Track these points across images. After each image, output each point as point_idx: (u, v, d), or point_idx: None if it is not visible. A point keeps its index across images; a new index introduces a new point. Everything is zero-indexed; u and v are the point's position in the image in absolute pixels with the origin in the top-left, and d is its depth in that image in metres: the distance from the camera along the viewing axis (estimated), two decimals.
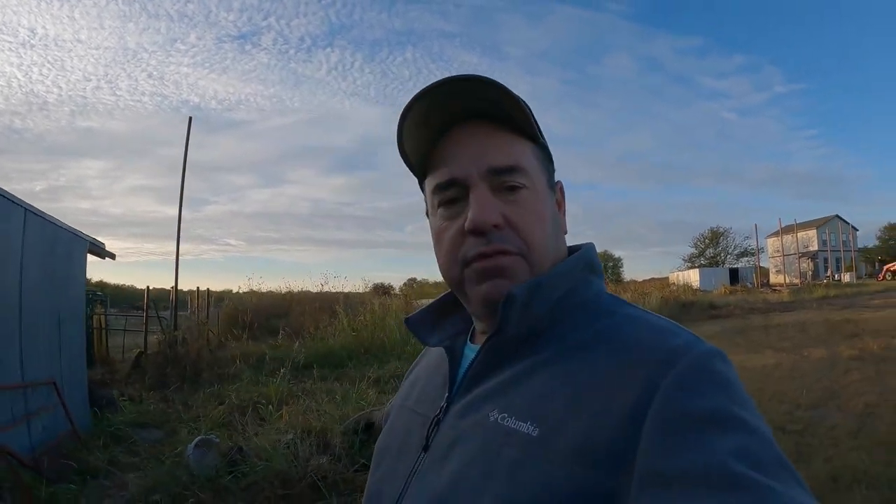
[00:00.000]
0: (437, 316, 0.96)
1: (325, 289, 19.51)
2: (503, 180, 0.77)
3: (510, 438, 0.68)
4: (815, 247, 61.71)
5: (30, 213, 6.14)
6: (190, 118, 14.74)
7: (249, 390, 8.32)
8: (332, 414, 6.15)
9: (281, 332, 13.55)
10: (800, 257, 54.18)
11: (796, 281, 43.67)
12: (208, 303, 16.10)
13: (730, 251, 67.17)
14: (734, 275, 54.39)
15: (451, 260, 0.80)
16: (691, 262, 69.53)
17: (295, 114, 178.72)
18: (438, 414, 0.82)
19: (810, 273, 53.83)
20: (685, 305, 19.65)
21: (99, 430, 6.72)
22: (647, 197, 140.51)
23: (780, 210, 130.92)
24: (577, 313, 0.78)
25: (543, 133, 0.85)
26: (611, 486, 0.58)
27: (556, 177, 0.90)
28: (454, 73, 0.74)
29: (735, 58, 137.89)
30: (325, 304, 17.24)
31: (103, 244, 8.99)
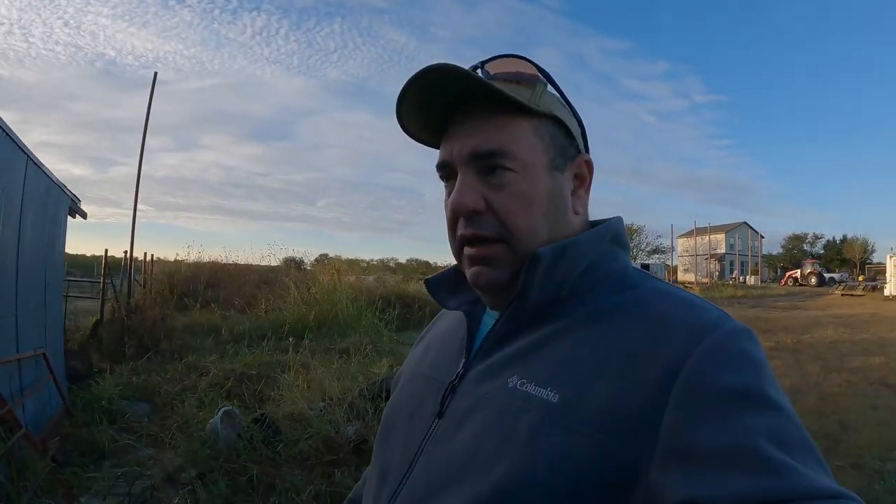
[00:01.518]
0: (457, 279, 0.92)
1: (232, 260, 19.45)
2: (486, 164, 0.77)
3: (529, 404, 0.68)
4: (722, 249, 65.07)
5: (30, 162, 5.46)
6: (155, 73, 14.49)
7: (232, 361, 8.19)
8: (343, 381, 6.20)
9: (220, 303, 13.41)
10: (708, 258, 57.46)
11: (704, 280, 46.16)
12: (151, 270, 15.64)
13: (642, 247, 69.86)
14: (645, 270, 56.70)
15: (451, 237, 0.82)
16: None
17: (213, 77, 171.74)
18: (454, 380, 0.81)
19: (717, 274, 57.01)
20: None
21: (85, 405, 6.16)
22: None
23: (687, 213, 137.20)
24: (602, 284, 0.77)
25: (570, 103, 0.86)
26: (632, 456, 0.59)
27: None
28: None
29: (660, 63, 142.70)
30: (262, 277, 17.24)
31: (79, 200, 8.03)
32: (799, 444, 0.56)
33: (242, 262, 19.72)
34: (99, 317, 10.46)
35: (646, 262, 64.13)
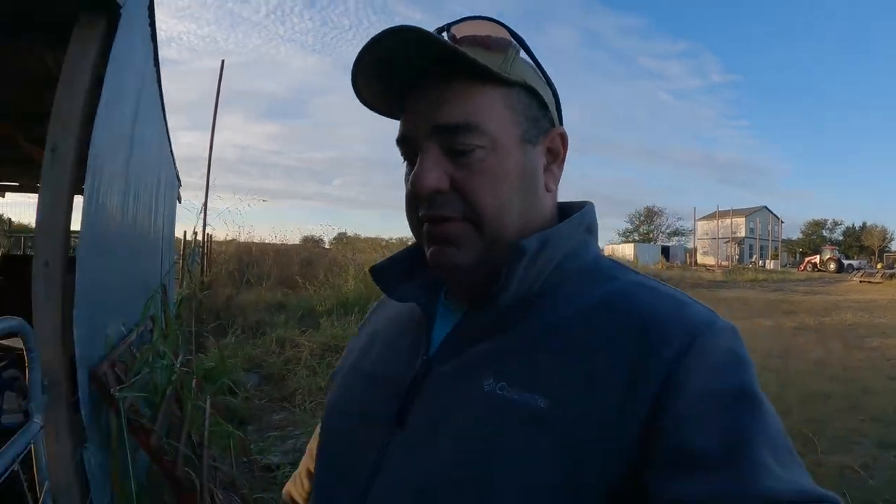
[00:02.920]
0: (409, 266, 0.84)
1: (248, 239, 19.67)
2: (451, 140, 0.69)
3: (513, 411, 0.62)
4: (742, 233, 65.04)
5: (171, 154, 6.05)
6: (223, 61, 15.06)
7: (325, 334, 8.72)
8: None
9: (271, 280, 14.10)
10: (729, 242, 57.82)
11: (724, 263, 46.70)
12: (210, 250, 16.37)
13: (662, 230, 70.21)
14: (665, 252, 57.09)
15: (410, 218, 0.76)
16: (625, 236, 72.37)
17: (228, 56, 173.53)
18: (414, 381, 0.72)
19: (736, 257, 57.42)
20: None
21: (205, 375, 6.12)
22: (572, 167, 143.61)
23: (701, 193, 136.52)
24: (578, 277, 0.73)
25: (545, 71, 0.78)
26: (629, 460, 0.56)
27: None
28: (394, 26, 0.65)
29: (678, 42, 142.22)
30: (305, 255, 18.17)
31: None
32: (785, 448, 0.55)
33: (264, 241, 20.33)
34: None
35: (666, 244, 64.45)
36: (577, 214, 0.76)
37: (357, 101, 0.76)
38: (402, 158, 0.77)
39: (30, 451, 1.79)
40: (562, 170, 0.79)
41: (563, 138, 0.79)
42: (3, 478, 1.51)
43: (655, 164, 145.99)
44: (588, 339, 0.64)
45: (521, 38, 0.75)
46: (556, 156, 0.78)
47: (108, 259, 2.89)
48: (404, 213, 0.77)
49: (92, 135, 2.30)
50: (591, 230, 0.79)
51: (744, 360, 0.61)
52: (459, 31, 0.73)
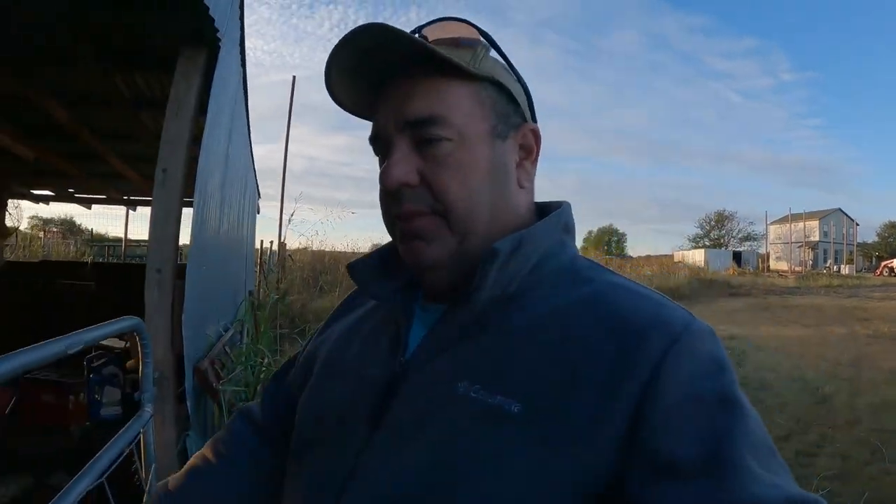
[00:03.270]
0: (387, 264, 0.83)
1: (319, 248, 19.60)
2: (420, 133, 0.70)
3: (487, 415, 0.60)
4: (816, 237, 62.83)
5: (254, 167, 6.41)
6: (294, 77, 15.42)
7: None
8: None
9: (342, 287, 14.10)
10: (802, 246, 55.90)
11: (798, 268, 45.25)
12: (283, 258, 16.97)
13: (733, 235, 68.43)
14: (737, 257, 55.63)
15: (385, 217, 0.76)
16: (696, 242, 70.83)
17: (294, 70, 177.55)
18: (391, 382, 0.71)
19: (810, 262, 55.45)
20: (707, 283, 20.79)
21: None
22: (642, 173, 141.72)
23: (773, 196, 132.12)
24: (554, 277, 0.72)
25: (515, 69, 0.79)
26: (610, 467, 0.55)
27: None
28: (364, 24, 0.67)
29: (745, 40, 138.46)
30: None
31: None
32: (766, 448, 0.55)
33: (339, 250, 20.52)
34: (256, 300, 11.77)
35: (737, 249, 62.73)
36: (553, 214, 0.76)
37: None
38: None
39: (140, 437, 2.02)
40: (535, 166, 0.80)
41: (536, 134, 0.79)
42: (119, 459, 1.66)
43: (725, 167, 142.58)
44: (564, 341, 0.63)
45: (490, 37, 0.75)
46: (528, 152, 0.79)
47: (209, 267, 3.20)
48: None
49: (199, 158, 2.58)
50: (569, 230, 0.79)
51: (723, 362, 0.61)
52: (431, 33, 0.74)
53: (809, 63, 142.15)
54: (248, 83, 4.33)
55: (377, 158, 0.79)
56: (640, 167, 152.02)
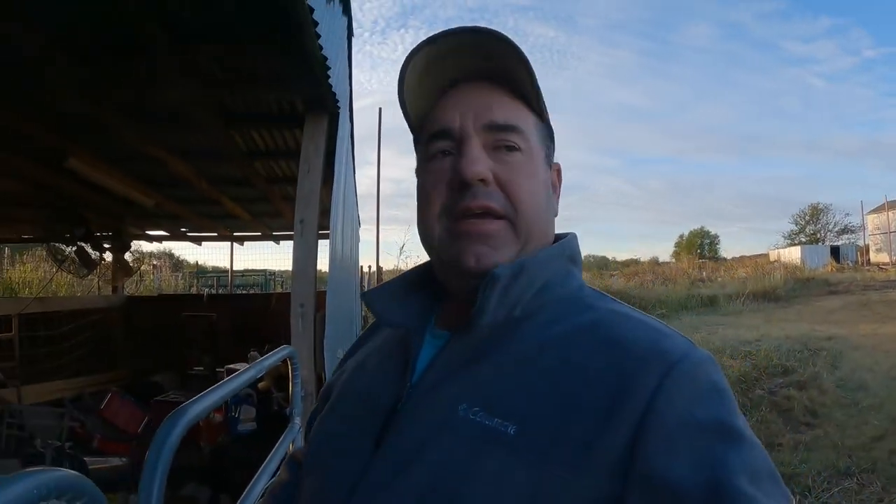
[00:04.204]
0: (401, 293, 0.85)
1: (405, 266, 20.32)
2: (499, 138, 0.73)
3: (485, 437, 0.61)
4: None
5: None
6: (380, 109, 16.15)
7: None
8: None
9: None
10: None
11: None
12: (382, 280, 17.40)
13: (830, 228, 65.42)
14: (835, 252, 53.12)
15: (431, 216, 0.75)
16: (791, 238, 68.08)
17: (372, 96, 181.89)
18: (395, 405, 0.73)
19: None
20: (804, 282, 20.16)
21: None
22: (730, 170, 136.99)
23: (871, 183, 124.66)
24: (557, 305, 0.73)
25: (546, 110, 0.81)
26: (606, 494, 0.56)
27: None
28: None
29: (821, 20, 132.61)
30: None
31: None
32: (767, 475, 0.55)
33: None
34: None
35: (834, 243, 59.80)
36: (556, 244, 0.78)
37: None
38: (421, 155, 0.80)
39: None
40: (558, 202, 0.84)
41: (560, 172, 0.85)
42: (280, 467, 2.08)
43: (817, 157, 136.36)
44: (564, 366, 0.64)
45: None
46: (554, 186, 0.83)
47: (338, 297, 3.66)
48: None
49: (331, 209, 3.05)
50: (575, 260, 0.80)
51: (722, 390, 0.62)
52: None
53: (891, 37, 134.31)
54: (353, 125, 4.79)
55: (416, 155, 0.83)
56: (728, 164, 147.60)
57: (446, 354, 0.74)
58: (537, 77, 0.75)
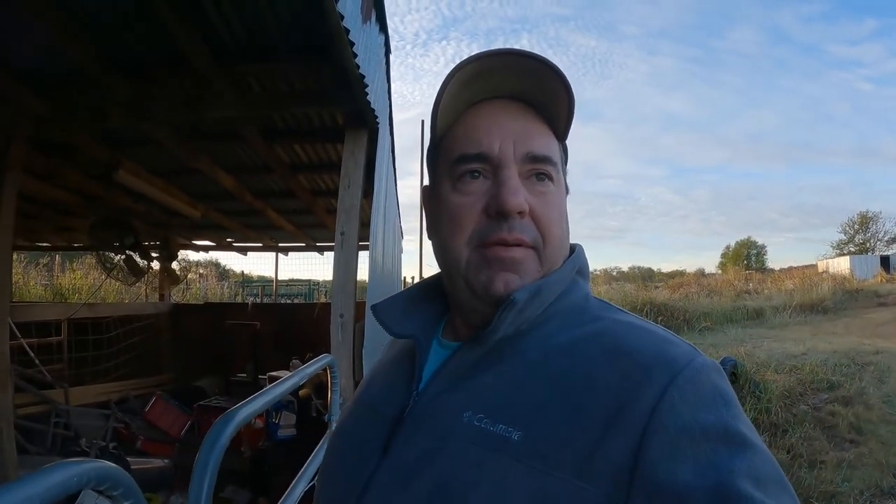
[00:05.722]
0: (408, 305, 0.86)
1: None
2: (535, 168, 0.73)
3: (488, 443, 0.62)
4: None
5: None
6: (423, 121, 15.58)
7: None
8: None
9: None
10: None
11: None
12: None
13: (879, 237, 63.49)
14: (885, 262, 51.62)
15: (460, 239, 0.74)
16: (840, 248, 66.30)
17: (416, 108, 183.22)
18: (401, 413, 0.74)
19: None
20: (852, 293, 19.64)
21: None
22: (777, 178, 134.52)
23: None
24: (563, 315, 0.74)
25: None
26: (613, 498, 0.56)
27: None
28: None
29: (866, 21, 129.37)
30: None
31: None
32: (774, 481, 0.55)
33: None
34: None
35: (885, 253, 58.11)
36: (567, 262, 0.78)
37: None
38: (444, 173, 0.77)
39: None
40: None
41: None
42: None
43: (866, 163, 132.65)
44: (570, 374, 0.65)
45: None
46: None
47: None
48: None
49: (371, 221, 3.15)
50: (582, 272, 0.81)
51: (727, 396, 0.62)
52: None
53: None
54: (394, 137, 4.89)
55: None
56: (776, 172, 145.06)
57: (452, 364, 0.74)
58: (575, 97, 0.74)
